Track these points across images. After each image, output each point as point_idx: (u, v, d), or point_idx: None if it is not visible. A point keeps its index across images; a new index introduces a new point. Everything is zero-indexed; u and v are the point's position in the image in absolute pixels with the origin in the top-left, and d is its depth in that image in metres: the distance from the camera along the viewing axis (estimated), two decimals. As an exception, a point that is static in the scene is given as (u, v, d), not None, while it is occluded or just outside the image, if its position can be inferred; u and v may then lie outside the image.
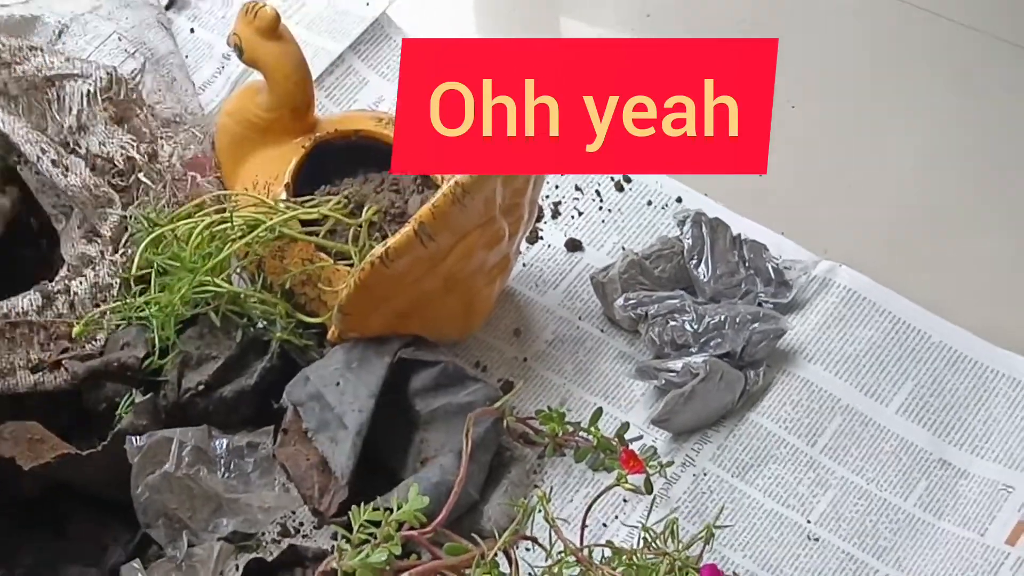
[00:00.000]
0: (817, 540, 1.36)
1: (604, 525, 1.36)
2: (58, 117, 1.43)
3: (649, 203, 1.56)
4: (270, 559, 1.27)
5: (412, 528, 1.23)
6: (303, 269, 1.38)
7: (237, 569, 1.27)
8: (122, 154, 1.36)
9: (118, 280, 1.38)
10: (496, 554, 1.23)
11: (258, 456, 1.33)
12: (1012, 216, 1.57)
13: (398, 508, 1.22)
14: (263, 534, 1.30)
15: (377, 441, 1.34)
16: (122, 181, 1.39)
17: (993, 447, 1.41)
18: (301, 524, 1.32)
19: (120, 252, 1.40)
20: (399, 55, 1.63)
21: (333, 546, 1.26)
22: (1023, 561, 1.33)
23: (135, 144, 1.39)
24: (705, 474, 1.39)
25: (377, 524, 1.22)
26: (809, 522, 1.37)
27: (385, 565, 1.20)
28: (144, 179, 1.40)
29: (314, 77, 1.56)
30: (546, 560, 1.26)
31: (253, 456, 1.33)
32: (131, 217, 1.39)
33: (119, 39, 1.57)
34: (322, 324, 1.38)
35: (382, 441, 1.34)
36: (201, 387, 1.34)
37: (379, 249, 1.29)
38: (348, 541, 1.22)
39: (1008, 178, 1.59)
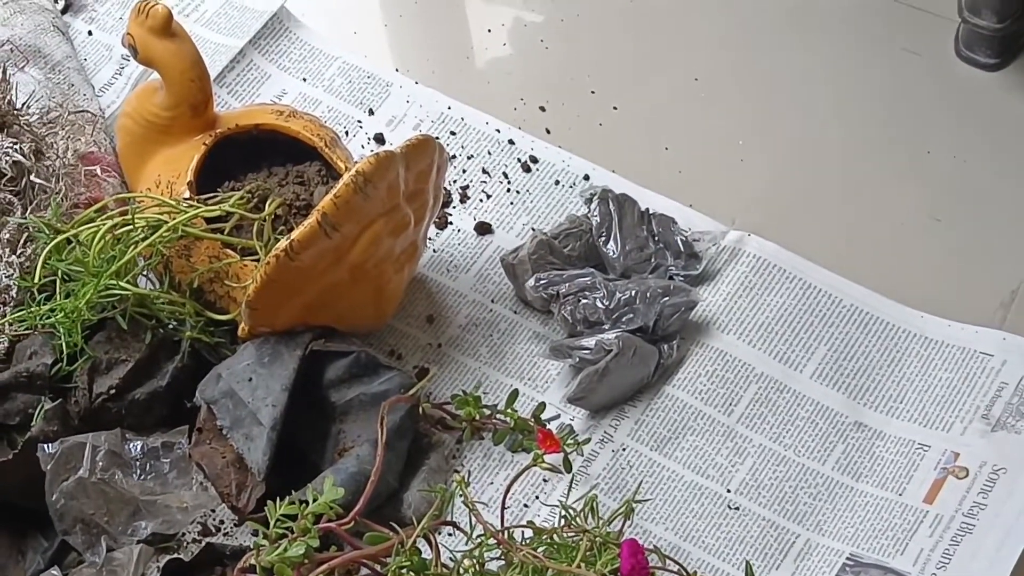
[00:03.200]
0: (737, 509, 1.37)
1: (525, 506, 1.36)
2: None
3: (557, 182, 1.56)
4: (188, 559, 1.26)
5: (330, 520, 1.23)
6: (209, 267, 1.37)
7: (158, 571, 1.26)
8: (7, 160, 1.35)
9: (15, 282, 1.37)
10: (416, 541, 1.24)
11: (174, 457, 1.32)
12: (915, 177, 1.58)
13: (314, 500, 1.22)
14: (183, 534, 1.30)
15: (294, 435, 1.33)
16: (15, 186, 1.38)
17: (908, 407, 1.42)
18: (221, 523, 1.32)
19: (18, 252, 1.38)
20: (299, 48, 1.65)
21: (253, 543, 1.25)
22: (941, 519, 1.34)
23: (16, 146, 1.38)
24: (624, 449, 1.40)
25: (294, 518, 1.22)
26: (729, 491, 1.38)
27: (303, 559, 1.20)
28: (37, 180, 1.39)
29: (215, 74, 1.57)
30: (467, 544, 1.26)
31: (169, 457, 1.32)
32: (31, 224, 1.37)
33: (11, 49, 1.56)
34: (232, 321, 1.38)
35: (299, 435, 1.34)
36: (112, 391, 1.33)
37: (283, 243, 1.29)
38: (266, 537, 1.22)
39: (908, 138, 1.60)
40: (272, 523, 1.21)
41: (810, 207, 1.56)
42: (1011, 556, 1.30)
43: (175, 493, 1.31)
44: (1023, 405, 1.40)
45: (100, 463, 1.29)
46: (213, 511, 1.31)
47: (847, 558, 1.34)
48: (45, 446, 1.29)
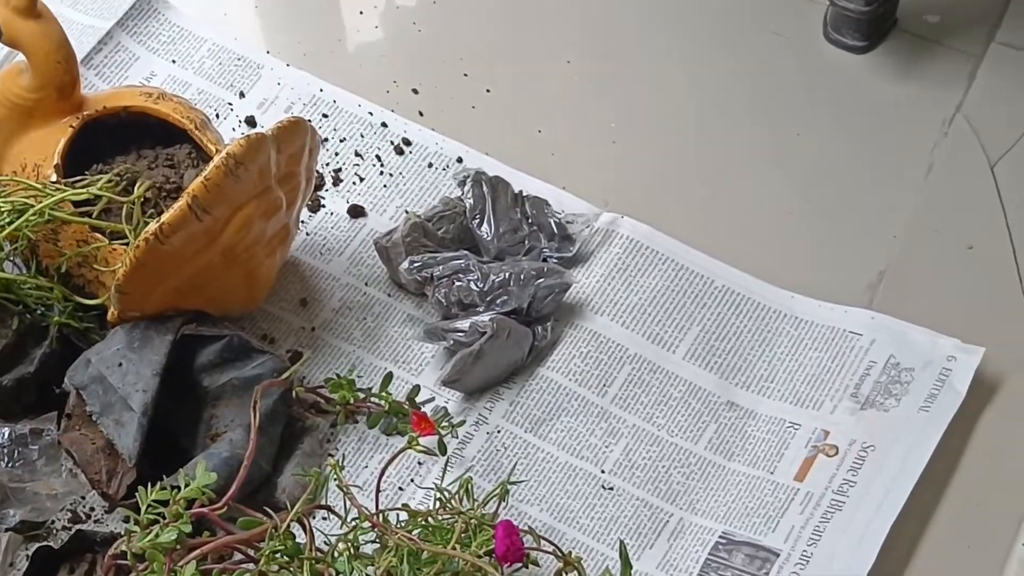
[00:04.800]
0: (611, 489, 1.37)
1: (400, 489, 1.36)
2: None
3: (430, 165, 1.56)
4: (58, 546, 1.24)
5: (202, 505, 1.22)
6: (77, 251, 1.35)
7: (27, 559, 1.24)
8: None
9: None
10: (290, 525, 1.23)
11: (42, 443, 1.31)
12: (785, 159, 1.59)
13: (186, 486, 1.21)
14: (53, 522, 1.28)
15: (166, 421, 1.32)
16: None
17: (779, 386, 1.44)
18: (92, 509, 1.30)
19: None
20: (168, 29, 1.63)
21: (124, 529, 1.24)
22: (812, 496, 1.36)
23: None
24: (499, 431, 1.40)
25: (166, 503, 1.21)
26: (603, 472, 1.38)
27: (175, 544, 1.19)
28: None
29: (82, 56, 1.55)
30: (341, 528, 1.26)
31: (37, 443, 1.31)
32: None
33: None
34: (102, 306, 1.36)
35: (171, 420, 1.33)
36: (-23, 377, 1.31)
37: (153, 226, 1.27)
38: (137, 523, 1.21)
39: (778, 120, 1.62)
40: (143, 509, 1.20)
41: (682, 189, 1.57)
42: (880, 532, 1.32)
43: (44, 480, 1.30)
44: (891, 383, 1.42)
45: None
46: (83, 498, 1.30)
47: (719, 536, 1.35)
48: (-90, 433, 1.27)
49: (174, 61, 1.61)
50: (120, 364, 1.30)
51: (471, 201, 1.49)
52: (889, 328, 1.45)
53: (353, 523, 1.25)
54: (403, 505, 1.31)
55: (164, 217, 1.27)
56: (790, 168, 1.59)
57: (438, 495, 1.28)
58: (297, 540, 1.23)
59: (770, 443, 1.40)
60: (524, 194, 1.51)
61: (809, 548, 1.33)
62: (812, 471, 1.38)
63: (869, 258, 1.52)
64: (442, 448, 1.35)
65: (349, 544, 1.24)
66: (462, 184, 1.50)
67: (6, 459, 1.29)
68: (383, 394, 1.38)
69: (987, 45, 1.65)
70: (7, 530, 1.27)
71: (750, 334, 1.47)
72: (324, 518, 1.30)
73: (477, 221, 1.48)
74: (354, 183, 1.55)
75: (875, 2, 1.62)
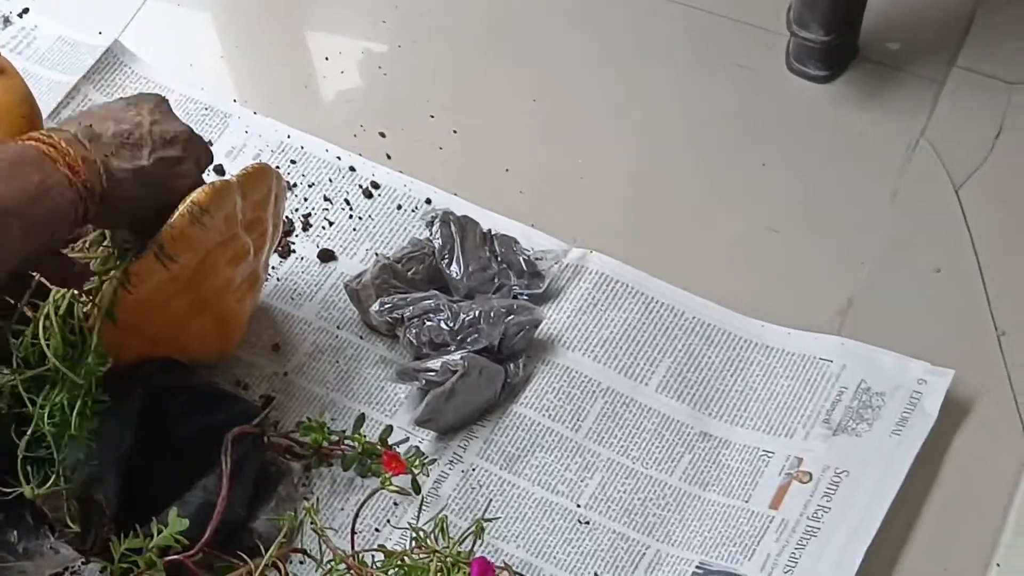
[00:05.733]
0: (588, 523, 1.38)
1: (376, 530, 1.36)
2: None
3: (399, 207, 1.56)
4: (34, 601, 1.25)
5: (177, 552, 1.23)
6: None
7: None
8: None
9: None
10: (266, 570, 1.23)
11: (21, 528, 1.29)
12: (751, 190, 1.60)
13: (159, 533, 1.21)
14: (33, 583, 1.28)
15: (140, 471, 1.32)
16: None
17: (751, 415, 1.44)
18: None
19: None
20: (134, 81, 1.64)
21: (100, 579, 1.24)
22: (787, 523, 1.36)
23: None
24: (473, 469, 1.40)
25: (140, 552, 1.21)
26: (579, 506, 1.39)
27: (150, 593, 1.19)
28: None
29: (48, 110, 1.56)
30: (317, 571, 1.26)
31: (16, 528, 1.29)
32: None
33: None
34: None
35: (144, 470, 1.33)
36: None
37: (119, 275, 1.28)
38: (112, 573, 1.21)
39: (743, 152, 1.63)
40: (116, 558, 1.21)
41: (650, 223, 1.58)
42: (855, 557, 1.33)
43: (28, 561, 1.29)
44: (863, 408, 1.42)
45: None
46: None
47: (696, 566, 1.35)
48: None
49: (141, 112, 1.62)
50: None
51: (440, 241, 1.49)
52: (859, 353, 1.46)
53: (329, 565, 1.26)
54: (379, 546, 1.31)
55: (131, 266, 1.28)
56: (757, 198, 1.59)
57: (414, 534, 1.28)
58: (273, 584, 1.24)
59: (744, 472, 1.41)
60: (493, 232, 1.52)
61: (785, 575, 1.33)
62: (787, 498, 1.38)
63: (838, 284, 1.52)
64: (416, 487, 1.35)
65: (325, 587, 1.24)
66: (430, 225, 1.51)
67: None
68: (356, 436, 1.38)
69: (948, 70, 1.66)
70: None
71: (721, 364, 1.47)
72: (300, 562, 1.30)
73: (446, 261, 1.49)
74: (323, 227, 1.55)
75: (834, 32, 1.63)
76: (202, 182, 1.31)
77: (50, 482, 1.25)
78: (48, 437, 1.25)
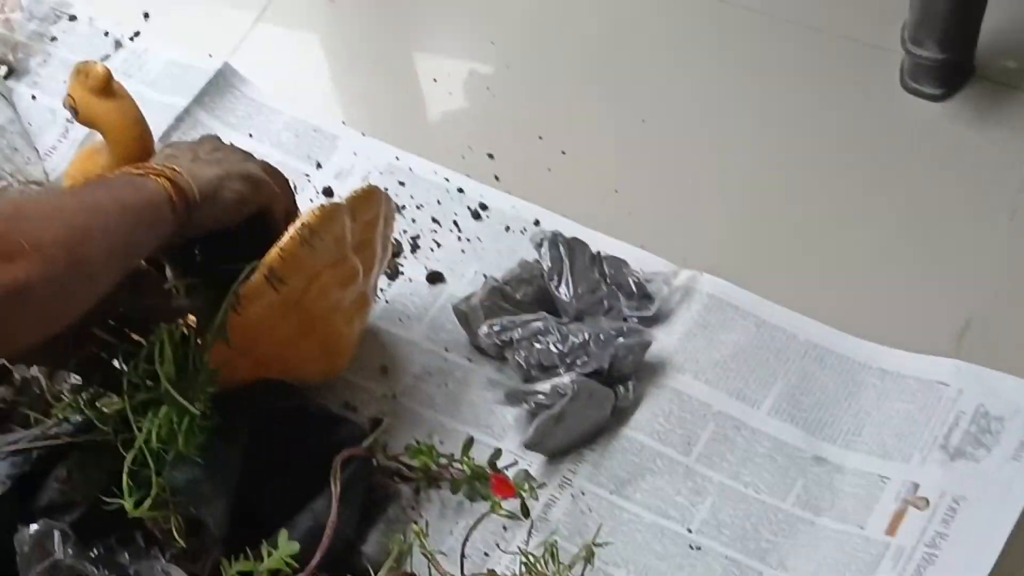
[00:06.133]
0: (699, 548, 1.36)
1: (486, 555, 1.35)
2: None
3: (507, 228, 1.56)
4: (144, 622, 1.24)
5: (286, 576, 1.23)
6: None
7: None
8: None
9: None
10: (375, 593, 1.23)
11: (131, 549, 1.29)
12: (866, 210, 1.58)
13: (269, 557, 1.21)
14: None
15: (250, 494, 1.32)
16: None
17: (866, 439, 1.42)
18: (181, 585, 1.30)
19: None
20: (244, 104, 1.64)
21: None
22: (904, 550, 1.33)
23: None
24: (583, 493, 1.39)
25: (250, 575, 1.21)
26: (690, 531, 1.37)
27: (262, 616, 1.19)
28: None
29: (159, 133, 1.57)
30: (427, 594, 1.26)
31: (126, 550, 1.29)
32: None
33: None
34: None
35: (254, 493, 1.32)
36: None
37: (231, 298, 1.28)
38: (222, 597, 1.21)
39: (858, 172, 1.61)
40: (227, 582, 1.21)
41: (762, 244, 1.56)
42: (975, 585, 1.30)
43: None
44: (981, 433, 1.39)
45: (70, 551, 1.26)
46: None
47: (811, 594, 1.33)
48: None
49: (251, 135, 1.63)
50: (204, 442, 1.29)
51: (548, 263, 1.48)
52: (977, 377, 1.43)
53: (439, 589, 1.25)
54: (489, 571, 1.30)
55: (241, 289, 1.28)
56: (871, 219, 1.57)
57: (523, 559, 1.27)
58: (383, 608, 1.23)
59: (859, 497, 1.38)
60: (602, 254, 1.51)
61: (903, 603, 1.31)
62: (903, 525, 1.35)
63: (955, 307, 1.49)
64: (525, 511, 1.34)
65: (435, 611, 1.23)
66: (539, 246, 1.50)
67: (101, 567, 1.28)
68: (465, 459, 1.37)
69: (1066, 88, 1.63)
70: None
71: (835, 387, 1.45)
72: (409, 585, 1.29)
73: (555, 282, 1.48)
74: (432, 249, 1.55)
75: (950, 50, 1.60)
76: (292, 200, 1.31)
77: (151, 497, 1.25)
78: (153, 456, 1.25)
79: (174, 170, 1.24)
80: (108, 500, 1.25)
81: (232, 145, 1.35)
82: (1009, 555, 1.32)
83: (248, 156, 1.33)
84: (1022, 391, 1.41)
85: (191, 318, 1.30)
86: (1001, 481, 1.36)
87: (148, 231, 1.22)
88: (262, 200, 1.30)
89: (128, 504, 1.24)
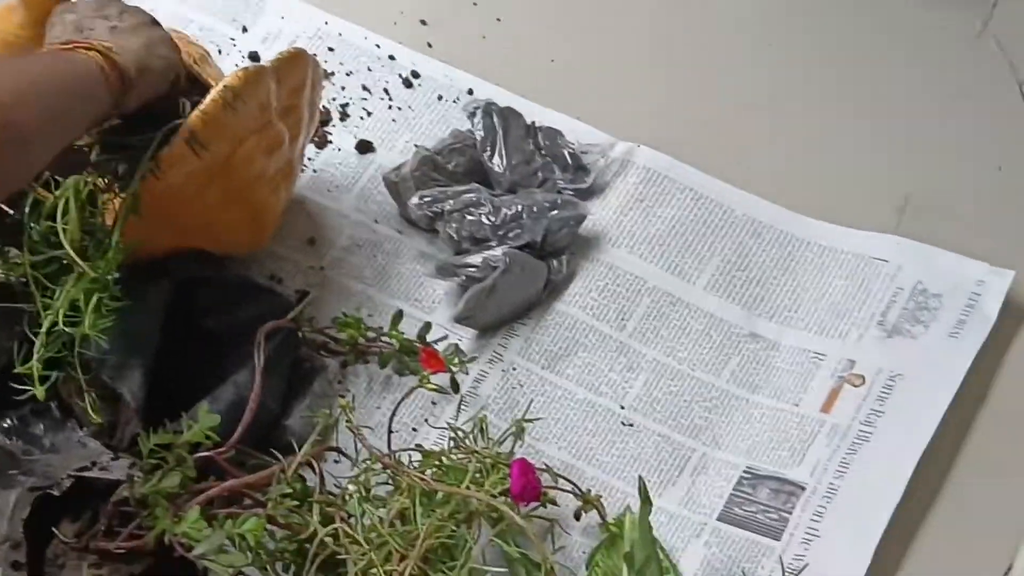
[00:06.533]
0: (632, 425, 1.34)
1: (414, 429, 1.32)
2: None
3: (440, 97, 1.52)
4: (60, 493, 1.20)
5: (208, 449, 1.19)
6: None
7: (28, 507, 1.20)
8: None
9: None
10: (299, 468, 1.20)
11: (47, 421, 1.26)
12: (806, 84, 1.55)
13: (189, 429, 1.18)
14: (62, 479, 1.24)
15: (169, 366, 1.28)
16: None
17: (803, 316, 1.40)
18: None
19: None
20: (170, -31, 1.58)
21: (127, 475, 1.21)
22: (839, 428, 1.32)
23: None
24: (514, 368, 1.36)
25: (170, 448, 1.18)
26: (623, 408, 1.35)
27: (179, 489, 1.16)
28: None
29: (79, -7, 1.51)
30: (353, 470, 1.23)
31: (41, 421, 1.26)
32: None
33: None
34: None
35: (174, 365, 1.29)
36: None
37: (150, 163, 1.24)
38: (140, 469, 1.18)
39: (794, 42, 1.58)
40: (145, 454, 1.18)
41: (700, 117, 1.52)
42: (909, 463, 1.28)
43: (56, 454, 1.25)
44: (919, 310, 1.38)
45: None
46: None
47: (744, 471, 1.31)
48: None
49: (175, -3, 1.58)
50: (120, 311, 1.26)
51: (482, 133, 1.45)
52: (916, 253, 1.41)
53: (364, 465, 1.22)
54: (416, 446, 1.28)
55: (161, 154, 1.24)
56: (811, 92, 1.54)
57: (452, 435, 1.25)
58: (307, 483, 1.20)
59: (795, 374, 1.36)
60: (537, 125, 1.47)
61: (836, 481, 1.29)
62: (838, 402, 1.34)
63: (895, 182, 1.47)
64: (454, 386, 1.31)
65: (360, 486, 1.21)
66: (472, 116, 1.46)
67: (14, 438, 1.25)
68: (394, 333, 1.34)
69: (1013, -39, 1.60)
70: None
71: (773, 263, 1.42)
72: (335, 461, 1.26)
73: (488, 153, 1.44)
74: (362, 118, 1.50)
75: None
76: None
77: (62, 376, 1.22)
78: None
79: (105, 45, 1.20)
80: (16, 372, 1.21)
81: (135, 6, 1.29)
82: (945, 433, 1.31)
83: (149, 16, 1.29)
84: (961, 268, 1.39)
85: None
86: (938, 358, 1.34)
87: (82, 104, 1.17)
88: (182, 63, 1.26)
89: (39, 391, 1.19)
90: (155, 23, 1.28)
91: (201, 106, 1.24)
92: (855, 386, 1.34)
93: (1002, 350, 1.36)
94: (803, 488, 1.29)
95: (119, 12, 1.27)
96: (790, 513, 1.28)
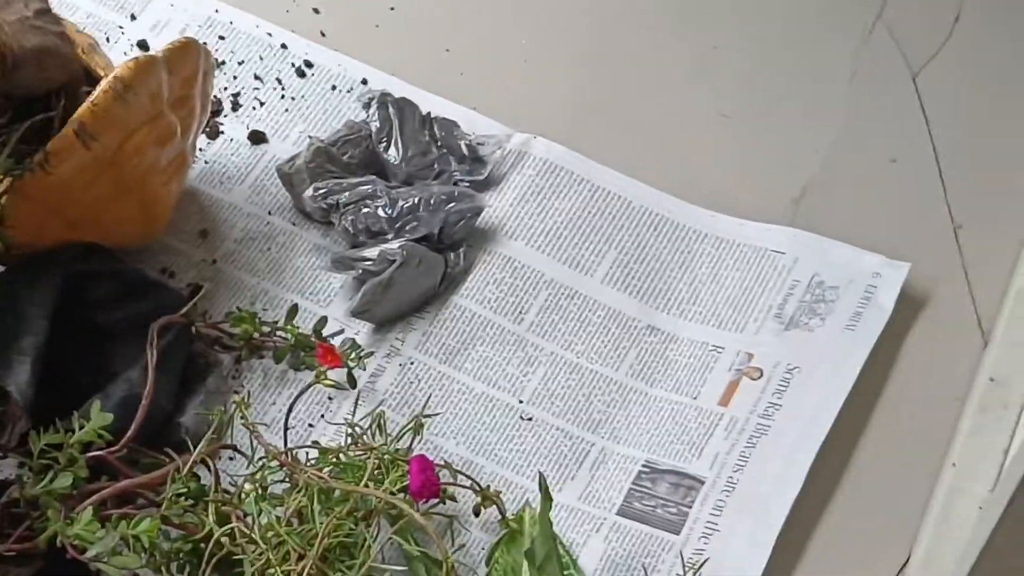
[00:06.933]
0: (530, 419, 1.33)
1: (310, 426, 1.31)
2: None
3: (334, 87, 1.49)
4: (-54, 496, 1.18)
5: (100, 448, 1.17)
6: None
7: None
8: None
9: None
10: (194, 466, 1.18)
11: None
12: (702, 74, 1.54)
13: (81, 428, 1.15)
14: (-57, 472, 1.21)
15: (59, 362, 1.25)
16: None
17: (700, 309, 1.39)
18: (-17, 456, 1.23)
19: None
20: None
21: (16, 475, 1.18)
22: (736, 421, 1.32)
23: None
24: (412, 363, 1.34)
25: (61, 448, 1.16)
26: (521, 402, 1.34)
27: (71, 490, 1.14)
28: None
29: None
30: (248, 467, 1.21)
31: None
32: None
33: None
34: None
35: (64, 361, 1.26)
36: None
37: (38, 155, 1.21)
38: (30, 469, 1.15)
39: (695, 34, 1.57)
40: (35, 454, 1.15)
41: (597, 107, 1.52)
42: (807, 456, 1.29)
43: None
44: (815, 302, 1.38)
45: None
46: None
47: (643, 465, 1.31)
48: None
49: (62, -17, 1.54)
50: (5, 305, 1.23)
51: (377, 124, 1.43)
52: (812, 245, 1.41)
53: (261, 462, 1.20)
54: (313, 442, 1.26)
55: (49, 145, 1.21)
56: (708, 82, 1.54)
57: (349, 431, 1.23)
58: (202, 482, 1.18)
59: (693, 367, 1.36)
60: (433, 116, 1.45)
61: (735, 474, 1.29)
62: (736, 395, 1.34)
63: (791, 173, 1.47)
64: (351, 381, 1.30)
65: (257, 484, 1.19)
66: (367, 106, 1.44)
67: None
68: (289, 327, 1.32)
69: (905, -50, 1.61)
70: None
71: (670, 255, 1.42)
72: (230, 458, 1.24)
73: (384, 145, 1.42)
74: (254, 108, 1.48)
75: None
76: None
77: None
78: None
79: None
80: None
81: (56, 15, 1.27)
82: (843, 425, 1.31)
83: (63, 30, 1.27)
84: (857, 260, 1.40)
85: None
86: (835, 351, 1.35)
87: None
88: (65, 79, 1.24)
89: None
90: (63, 34, 1.26)
91: (91, 97, 1.21)
92: (753, 379, 1.34)
93: (898, 342, 1.37)
94: (702, 482, 1.29)
95: (39, 11, 1.25)
96: (690, 507, 1.28)
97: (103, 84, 1.21)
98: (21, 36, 1.20)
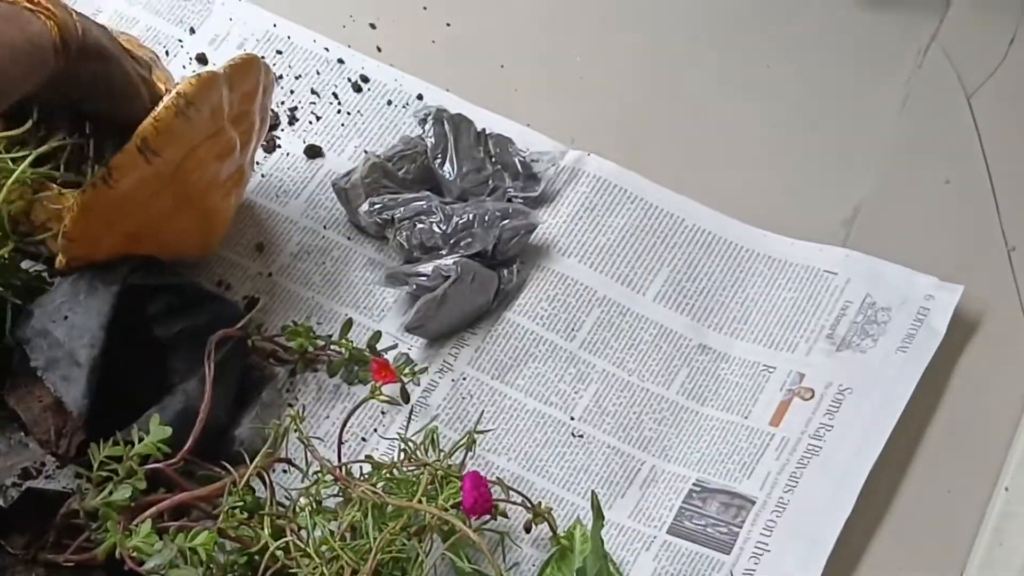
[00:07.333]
0: (581, 436, 1.33)
1: (363, 440, 1.31)
2: None
3: (389, 103, 1.50)
4: (7, 503, 1.19)
5: (157, 461, 1.18)
6: (22, 198, 1.28)
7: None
8: None
9: None
10: (249, 479, 1.19)
11: None
12: (756, 93, 1.55)
13: (139, 441, 1.17)
14: (3, 485, 1.22)
15: (117, 374, 1.26)
16: None
17: (752, 328, 1.40)
18: (42, 465, 1.24)
19: None
20: (115, -37, 1.56)
21: (76, 486, 1.19)
22: (788, 441, 1.32)
23: None
24: (464, 379, 1.35)
25: (119, 460, 1.17)
26: (572, 419, 1.34)
27: (129, 502, 1.15)
28: None
29: (24, -9, 1.48)
30: (303, 481, 1.22)
31: None
32: None
33: None
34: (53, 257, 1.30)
35: (122, 373, 1.27)
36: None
37: (101, 170, 1.22)
38: (89, 481, 1.16)
39: (748, 53, 1.57)
40: (95, 466, 1.16)
41: (651, 125, 1.52)
42: (859, 477, 1.29)
43: (-1, 456, 1.24)
44: (868, 324, 1.38)
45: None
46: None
47: (693, 484, 1.31)
48: None
49: (123, -5, 1.56)
50: (65, 316, 1.24)
51: (432, 140, 1.44)
52: (865, 266, 1.41)
53: (315, 476, 1.21)
54: (366, 457, 1.27)
55: (112, 160, 1.22)
56: (762, 102, 1.54)
57: (402, 446, 1.24)
58: (257, 495, 1.19)
59: (744, 387, 1.36)
60: (487, 132, 1.46)
61: (785, 495, 1.29)
62: (788, 415, 1.34)
63: (844, 194, 1.47)
64: (405, 396, 1.31)
65: (311, 498, 1.20)
66: (423, 122, 1.45)
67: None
68: (343, 341, 1.33)
69: (962, -27, 1.61)
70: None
71: (722, 274, 1.42)
72: (284, 471, 1.25)
73: (439, 161, 1.43)
74: (310, 122, 1.49)
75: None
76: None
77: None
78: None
79: (67, 10, 1.19)
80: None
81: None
82: (894, 447, 1.31)
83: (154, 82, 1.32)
84: (910, 282, 1.40)
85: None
86: (887, 373, 1.35)
87: (26, 69, 1.16)
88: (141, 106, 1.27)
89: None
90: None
91: (154, 113, 1.22)
92: (804, 399, 1.35)
93: (950, 365, 1.37)
94: (753, 502, 1.29)
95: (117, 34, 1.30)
96: (740, 527, 1.28)
97: (165, 100, 1.22)
98: (100, 33, 1.22)
